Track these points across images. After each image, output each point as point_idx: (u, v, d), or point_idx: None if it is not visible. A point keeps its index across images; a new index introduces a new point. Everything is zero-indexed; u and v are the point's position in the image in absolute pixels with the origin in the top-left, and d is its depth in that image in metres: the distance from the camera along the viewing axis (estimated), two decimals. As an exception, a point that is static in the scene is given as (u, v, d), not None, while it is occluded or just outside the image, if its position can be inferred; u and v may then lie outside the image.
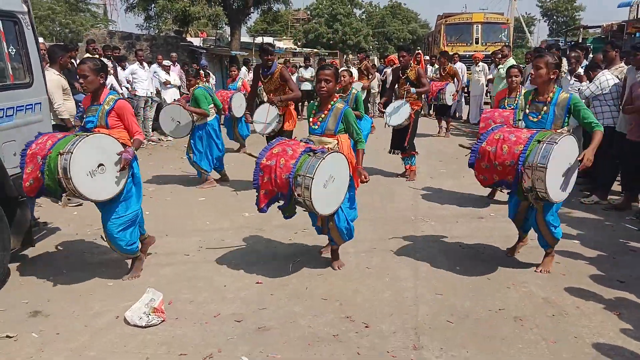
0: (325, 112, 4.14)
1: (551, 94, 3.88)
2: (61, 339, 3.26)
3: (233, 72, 11.15)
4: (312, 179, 3.60)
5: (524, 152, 3.61)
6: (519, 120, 4.16)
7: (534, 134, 3.70)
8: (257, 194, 3.90)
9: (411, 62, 7.18)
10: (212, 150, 7.08)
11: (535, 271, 4.20)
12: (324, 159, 3.71)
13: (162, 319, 3.43)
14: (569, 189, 3.83)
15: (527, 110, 3.99)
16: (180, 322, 3.45)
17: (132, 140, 3.98)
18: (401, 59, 7.13)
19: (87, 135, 3.69)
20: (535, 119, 3.93)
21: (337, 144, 4.13)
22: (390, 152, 7.65)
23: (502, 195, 6.28)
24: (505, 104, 6.20)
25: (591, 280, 4.06)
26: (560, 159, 3.65)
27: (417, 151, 7.62)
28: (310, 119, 4.24)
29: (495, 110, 5.98)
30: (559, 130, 3.82)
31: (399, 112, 7.04)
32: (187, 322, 3.45)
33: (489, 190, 6.40)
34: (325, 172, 3.74)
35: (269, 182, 3.79)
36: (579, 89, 6.22)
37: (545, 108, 3.87)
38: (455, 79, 11.87)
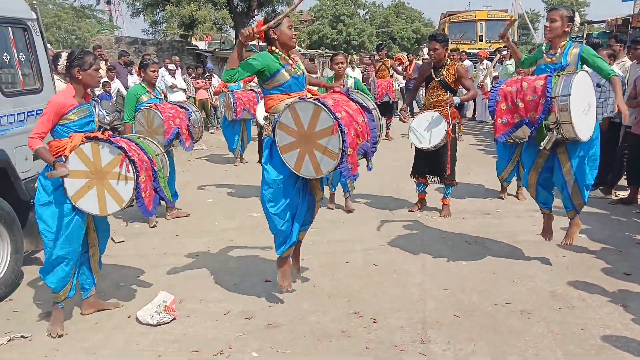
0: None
1: (563, 47, 3.94)
2: (75, 338, 3.33)
3: None
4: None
5: (548, 83, 3.65)
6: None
7: (551, 74, 3.77)
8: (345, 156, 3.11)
9: (447, 58, 5.28)
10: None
11: (560, 245, 4.29)
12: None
13: (174, 317, 3.49)
14: (590, 131, 3.81)
15: (543, 61, 4.03)
16: (191, 320, 3.52)
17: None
18: (432, 52, 5.25)
19: None
20: (550, 60, 3.95)
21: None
22: (413, 177, 5.71)
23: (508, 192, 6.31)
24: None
25: (597, 273, 4.09)
26: (580, 93, 3.68)
27: (457, 181, 5.70)
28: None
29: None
30: None
31: (434, 129, 5.21)
32: (198, 320, 3.51)
33: (496, 186, 6.43)
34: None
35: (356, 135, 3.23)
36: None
37: (558, 56, 3.94)
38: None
